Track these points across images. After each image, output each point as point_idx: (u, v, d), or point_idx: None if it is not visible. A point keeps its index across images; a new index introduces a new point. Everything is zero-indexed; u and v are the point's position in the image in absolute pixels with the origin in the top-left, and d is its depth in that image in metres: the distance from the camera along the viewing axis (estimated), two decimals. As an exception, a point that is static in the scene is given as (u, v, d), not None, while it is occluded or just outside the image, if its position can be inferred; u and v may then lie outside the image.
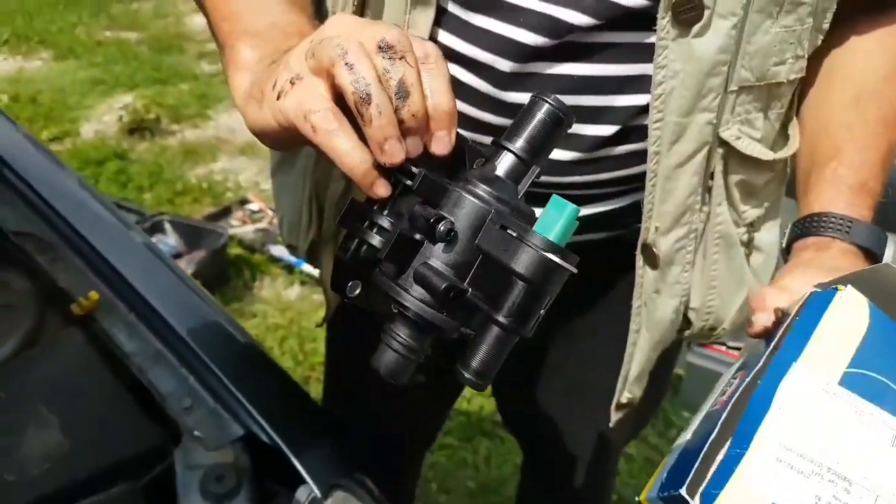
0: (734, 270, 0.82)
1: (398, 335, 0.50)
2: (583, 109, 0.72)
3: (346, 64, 0.47)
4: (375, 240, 0.50)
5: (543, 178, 0.63)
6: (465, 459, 1.89)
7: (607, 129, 0.73)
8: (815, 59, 0.75)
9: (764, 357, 0.52)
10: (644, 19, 0.67)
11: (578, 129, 0.73)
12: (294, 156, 0.89)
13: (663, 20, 0.66)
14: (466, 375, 0.48)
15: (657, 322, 0.82)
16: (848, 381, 0.50)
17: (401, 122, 0.48)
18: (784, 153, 0.78)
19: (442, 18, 0.71)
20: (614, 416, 0.90)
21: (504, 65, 0.70)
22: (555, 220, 0.48)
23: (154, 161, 3.08)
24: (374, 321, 0.52)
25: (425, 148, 0.50)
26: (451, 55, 0.71)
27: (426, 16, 0.70)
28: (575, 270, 0.47)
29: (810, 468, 0.47)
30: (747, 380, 0.51)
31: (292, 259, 2.51)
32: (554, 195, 0.48)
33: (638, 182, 0.76)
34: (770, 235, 0.85)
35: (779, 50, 0.70)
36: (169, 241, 2.36)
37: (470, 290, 0.49)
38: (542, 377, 1.01)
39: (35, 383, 0.90)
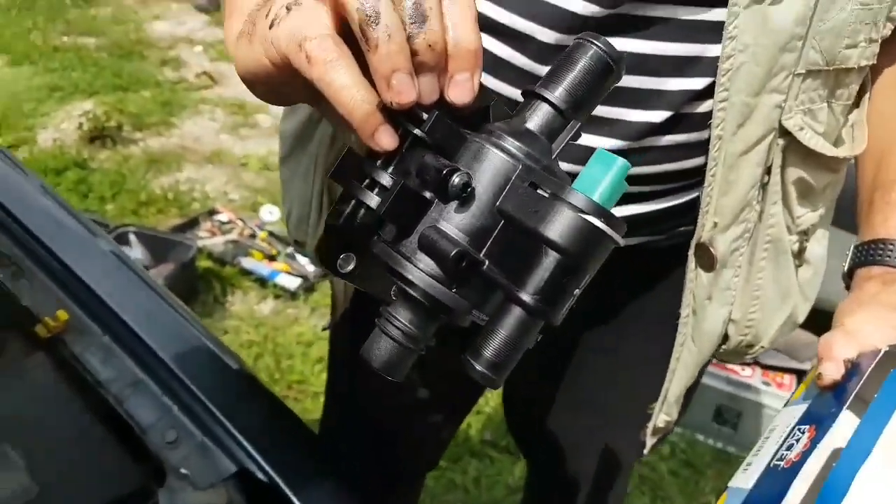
0: (780, 281, 0.76)
1: (396, 318, 0.41)
2: (629, 91, 0.65)
3: None
4: (373, 200, 0.41)
5: (575, 169, 0.55)
6: (453, 481, 1.80)
7: (656, 116, 0.66)
8: (884, 61, 0.70)
9: (837, 422, 0.52)
10: None
11: (623, 113, 0.66)
12: (306, 141, 0.81)
13: None
14: (478, 368, 0.39)
15: (704, 333, 0.76)
16: None
17: (414, 53, 0.39)
18: (847, 152, 0.72)
19: None
20: (650, 442, 0.82)
21: (547, 35, 0.63)
22: (599, 177, 0.38)
23: (116, 170, 2.95)
24: None
25: (441, 96, 0.41)
26: (484, 24, 0.63)
27: None
28: (622, 242, 0.38)
29: None
30: (819, 446, 0.51)
31: (265, 272, 2.42)
32: (599, 149, 0.40)
33: (685, 179, 0.70)
34: (820, 248, 0.80)
35: (853, 30, 0.65)
36: (135, 253, 2.24)
37: (486, 262, 0.40)
38: (564, 389, 0.93)
39: (-5, 417, 0.80)
